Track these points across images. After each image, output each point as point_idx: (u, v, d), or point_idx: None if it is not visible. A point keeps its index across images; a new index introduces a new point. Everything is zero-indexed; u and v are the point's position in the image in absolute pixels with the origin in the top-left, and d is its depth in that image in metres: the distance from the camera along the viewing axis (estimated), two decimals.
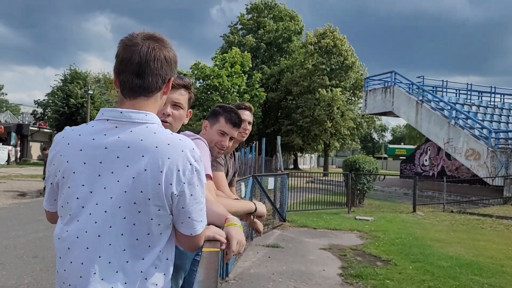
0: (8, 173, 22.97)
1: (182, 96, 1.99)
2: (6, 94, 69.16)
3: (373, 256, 7.03)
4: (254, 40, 39.47)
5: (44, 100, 41.33)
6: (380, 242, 8.13)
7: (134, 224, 1.21)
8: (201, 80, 34.27)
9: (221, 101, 32.61)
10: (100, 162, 1.22)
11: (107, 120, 1.26)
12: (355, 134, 37.28)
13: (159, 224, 1.24)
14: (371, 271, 5.95)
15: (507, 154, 15.60)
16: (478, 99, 22.09)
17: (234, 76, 32.45)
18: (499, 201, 14.99)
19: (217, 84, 32.04)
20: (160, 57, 1.28)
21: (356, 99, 37.41)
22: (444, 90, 21.94)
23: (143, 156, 1.20)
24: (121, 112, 1.26)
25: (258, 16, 41.56)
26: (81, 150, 1.24)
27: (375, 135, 73.97)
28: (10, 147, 31.09)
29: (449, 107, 18.53)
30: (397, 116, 22.20)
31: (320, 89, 33.11)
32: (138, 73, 1.26)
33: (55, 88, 38.07)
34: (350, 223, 10.45)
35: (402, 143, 74.51)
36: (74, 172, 1.24)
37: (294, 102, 36.10)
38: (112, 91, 52.73)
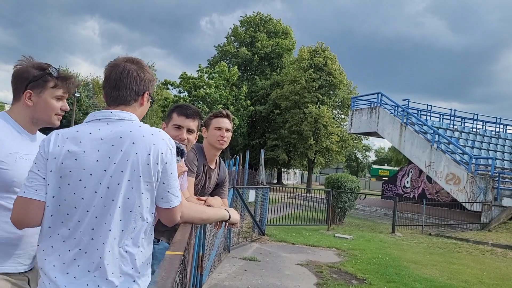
0: None
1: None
2: None
3: (349, 274, 7.05)
4: (248, 53, 39.69)
5: None
6: (357, 261, 8.16)
7: (128, 198, 1.50)
8: (186, 92, 34.33)
9: (208, 110, 32.66)
10: (98, 150, 1.50)
11: (99, 119, 1.57)
12: (341, 152, 37.51)
13: (147, 198, 1.53)
14: None
15: (486, 180, 15.86)
16: (461, 125, 22.50)
17: (221, 88, 32.60)
18: (477, 227, 15.19)
19: (204, 94, 32.09)
20: (133, 75, 1.62)
21: (344, 116, 37.75)
22: (428, 114, 22.30)
23: (133, 143, 1.51)
24: (111, 112, 1.58)
25: (253, 30, 41.89)
26: (81, 142, 1.51)
27: (359, 155, 74.65)
28: None
29: (432, 131, 18.83)
30: (382, 137, 22.44)
31: (309, 105, 33.36)
32: (114, 87, 1.62)
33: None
34: (329, 240, 10.48)
35: (386, 164, 75.24)
36: (76, 159, 1.48)
37: (281, 116, 36.27)
38: (100, 95, 52.30)
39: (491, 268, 8.77)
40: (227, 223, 2.25)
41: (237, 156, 12.18)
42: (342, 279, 6.71)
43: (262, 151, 11.69)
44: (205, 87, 32.20)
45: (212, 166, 2.81)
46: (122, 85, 1.60)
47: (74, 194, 1.48)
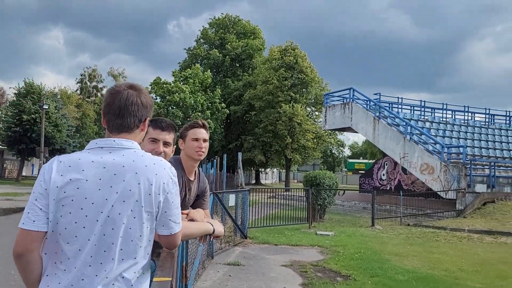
0: None
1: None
2: None
3: (333, 272, 7.10)
4: (219, 55, 39.55)
5: None
6: (340, 257, 8.23)
7: (130, 228, 1.51)
8: (160, 97, 33.96)
9: (182, 116, 32.38)
10: (100, 179, 1.50)
11: (101, 147, 1.57)
12: (317, 148, 37.85)
13: (147, 227, 1.55)
14: None
15: (458, 168, 16.29)
16: (431, 115, 23.04)
17: (197, 94, 32.42)
18: (453, 214, 15.58)
19: (178, 100, 31.82)
20: (137, 102, 1.62)
21: (318, 113, 38.11)
22: (400, 106, 22.75)
23: (136, 173, 1.52)
24: (114, 141, 1.59)
25: (223, 32, 41.77)
26: (83, 170, 1.50)
27: (335, 150, 75.59)
28: None
29: (404, 123, 19.21)
30: (356, 132, 22.77)
31: (283, 104, 33.53)
32: (118, 114, 1.61)
33: (7, 102, 36.39)
34: (311, 239, 10.54)
35: (361, 158, 76.37)
36: (78, 188, 1.48)
37: (256, 116, 36.32)
38: (69, 106, 51.13)
39: (469, 255, 9.01)
40: (211, 236, 2.22)
41: (214, 160, 12.12)
42: (327, 277, 6.75)
43: (240, 153, 11.66)
44: (179, 92, 31.89)
45: (192, 178, 2.77)
46: (126, 113, 1.61)
47: (75, 222, 1.48)
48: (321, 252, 8.96)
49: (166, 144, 2.37)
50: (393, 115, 20.41)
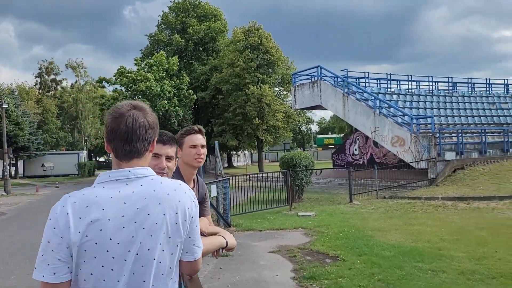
0: None
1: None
2: None
3: (321, 254, 7.19)
4: (182, 40, 38.68)
5: None
6: (325, 238, 8.34)
7: (160, 262, 1.43)
8: (125, 87, 33.08)
9: (148, 105, 31.68)
10: (123, 216, 1.38)
11: (116, 180, 1.44)
12: (287, 127, 38.03)
13: (176, 258, 1.49)
14: (323, 271, 6.07)
15: (428, 138, 16.74)
16: (397, 87, 23.48)
17: (163, 81, 31.75)
18: (425, 183, 16.06)
19: (144, 89, 31.09)
20: (144, 124, 1.50)
21: (286, 92, 38.13)
22: (367, 81, 23.03)
23: (159, 204, 1.43)
24: (129, 171, 1.46)
25: (184, 16, 40.79)
26: (103, 209, 1.37)
27: (303, 128, 76.20)
28: None
29: (372, 98, 19.49)
30: (326, 109, 22.96)
31: (250, 86, 33.34)
32: (126, 140, 1.47)
33: None
34: (293, 221, 10.63)
35: (329, 133, 77.42)
36: (101, 230, 1.35)
37: (224, 100, 36.01)
38: (29, 102, 49.17)
39: (447, 223, 9.33)
40: (223, 250, 2.16)
41: None
42: (316, 259, 6.83)
43: (216, 142, 11.55)
44: (144, 80, 31.11)
45: (191, 185, 2.68)
46: (135, 137, 1.48)
47: (102, 266, 1.37)
48: (305, 234, 9.06)
49: (168, 158, 2.25)
50: (361, 90, 20.66)
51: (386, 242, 7.69)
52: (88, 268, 1.36)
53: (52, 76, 59.84)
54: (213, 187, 9.29)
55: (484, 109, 22.89)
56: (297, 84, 23.93)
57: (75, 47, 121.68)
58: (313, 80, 22.61)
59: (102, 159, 72.43)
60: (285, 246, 7.92)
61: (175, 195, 1.48)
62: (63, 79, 61.05)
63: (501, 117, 22.36)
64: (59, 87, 60.38)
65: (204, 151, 2.64)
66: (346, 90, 20.55)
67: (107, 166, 56.32)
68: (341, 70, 22.43)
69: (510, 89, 26.04)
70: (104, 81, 34.52)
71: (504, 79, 27.91)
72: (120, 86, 33.73)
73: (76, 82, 57.03)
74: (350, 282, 5.51)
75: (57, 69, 58.89)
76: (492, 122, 21.56)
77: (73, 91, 57.12)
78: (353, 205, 13.23)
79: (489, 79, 26.02)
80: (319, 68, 22.17)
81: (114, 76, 33.40)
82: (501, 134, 19.00)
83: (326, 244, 7.84)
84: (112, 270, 1.37)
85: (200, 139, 2.64)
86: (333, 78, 21.97)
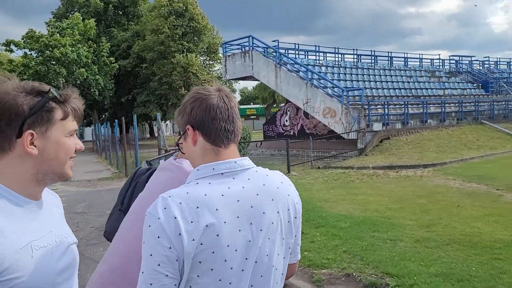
0: None
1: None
2: None
3: None
4: (101, 3, 35.84)
5: None
6: None
7: (276, 269, 1.24)
8: (36, 53, 30.13)
9: (65, 72, 29.35)
10: (238, 217, 1.16)
11: (222, 174, 1.21)
12: None
13: (287, 263, 1.30)
14: None
15: (358, 110, 17.43)
16: (324, 59, 24.05)
17: (79, 46, 29.34)
18: (356, 153, 16.82)
19: (60, 55, 28.57)
20: (236, 104, 1.31)
21: (212, 62, 37.42)
22: (297, 52, 23.25)
23: (272, 200, 1.23)
24: (235, 162, 1.23)
25: None
26: (217, 209, 1.13)
27: None
28: None
29: (304, 69, 19.75)
30: (258, 80, 22.88)
31: (176, 54, 32.14)
32: (227, 118, 1.24)
33: None
34: None
35: (251, 103, 78.10)
36: (217, 235, 1.11)
37: (148, 69, 34.43)
38: None
39: (387, 192, 9.82)
40: None
41: (108, 122, 11.23)
42: None
43: (158, 114, 10.94)
44: (59, 46, 28.51)
45: None
46: (235, 116, 1.27)
47: (220, 280, 1.13)
48: None
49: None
50: (293, 61, 20.83)
51: (337, 213, 7.89)
52: (203, 284, 1.12)
53: None
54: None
55: (403, 82, 24.34)
56: (228, 54, 23.47)
57: None
58: (244, 50, 22.31)
59: None
60: None
61: (284, 189, 1.28)
62: None
63: (418, 90, 23.97)
64: None
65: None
66: (278, 61, 20.58)
67: None
68: (273, 41, 22.38)
69: (423, 63, 27.94)
70: (12, 44, 31.00)
71: (420, 54, 29.75)
72: (30, 51, 30.67)
73: None
74: (318, 256, 5.55)
75: None
76: (411, 95, 23.02)
77: None
78: (292, 176, 13.44)
79: (406, 53, 27.65)
80: (250, 37, 21.89)
81: (23, 39, 30.24)
82: (420, 106, 20.39)
83: None
84: (230, 283, 1.14)
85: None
86: (264, 48, 21.85)
